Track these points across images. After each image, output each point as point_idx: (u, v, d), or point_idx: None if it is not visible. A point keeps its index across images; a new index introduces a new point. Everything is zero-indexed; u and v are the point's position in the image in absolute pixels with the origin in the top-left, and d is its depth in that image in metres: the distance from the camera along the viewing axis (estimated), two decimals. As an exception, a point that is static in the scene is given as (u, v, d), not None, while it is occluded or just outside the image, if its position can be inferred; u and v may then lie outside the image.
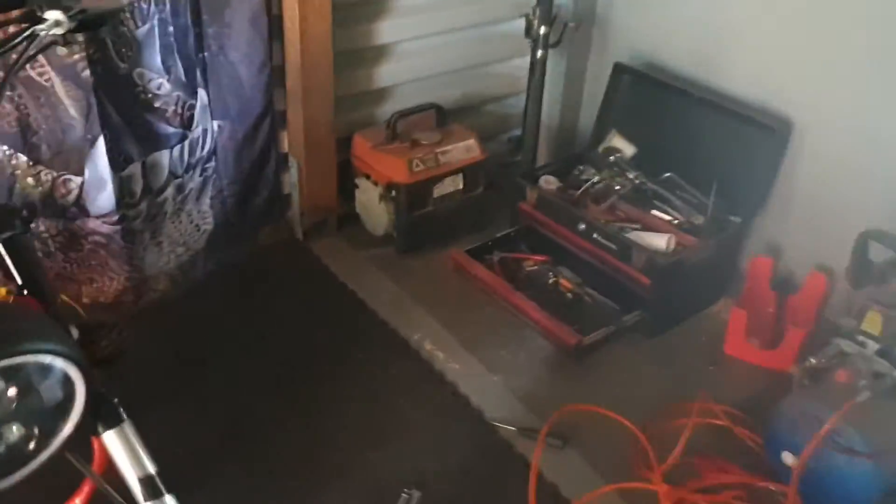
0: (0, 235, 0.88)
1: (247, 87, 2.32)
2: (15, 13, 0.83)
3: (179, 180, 2.30)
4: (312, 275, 2.55)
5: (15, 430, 0.79)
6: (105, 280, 2.21)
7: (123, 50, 2.02)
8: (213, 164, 2.37)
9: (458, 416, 2.06)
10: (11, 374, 0.77)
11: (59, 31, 0.84)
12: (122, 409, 0.97)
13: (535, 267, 2.56)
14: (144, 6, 2.01)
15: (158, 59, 2.10)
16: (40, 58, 1.84)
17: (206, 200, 2.40)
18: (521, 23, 2.58)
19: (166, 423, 1.95)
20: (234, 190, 2.45)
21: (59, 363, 0.77)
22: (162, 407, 2.00)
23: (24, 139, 1.92)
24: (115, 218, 2.12)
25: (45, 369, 0.77)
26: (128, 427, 0.97)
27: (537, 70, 2.63)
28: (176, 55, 2.14)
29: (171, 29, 2.10)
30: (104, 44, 1.95)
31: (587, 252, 2.42)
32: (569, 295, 2.46)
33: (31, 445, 0.80)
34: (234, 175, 2.43)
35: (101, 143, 2.01)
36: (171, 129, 2.21)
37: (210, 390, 2.09)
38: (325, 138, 2.53)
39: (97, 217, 2.10)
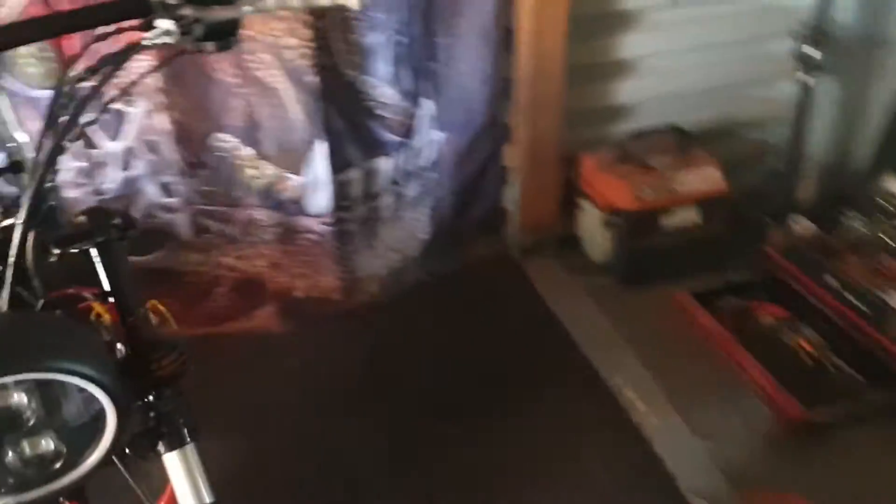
0: (94, 239, 0.88)
1: (473, 99, 2.27)
2: (135, 22, 0.82)
3: (398, 188, 2.31)
4: (520, 295, 2.44)
5: (46, 444, 0.77)
6: (317, 276, 2.28)
7: (354, 58, 2.05)
8: (433, 173, 2.35)
9: (646, 479, 1.84)
10: (42, 389, 0.75)
11: (169, 39, 0.82)
12: (187, 431, 0.92)
13: (772, 322, 2.22)
14: (379, 15, 2.03)
15: (386, 68, 2.12)
16: (270, 59, 1.93)
17: (424, 209, 2.40)
18: (789, 42, 2.27)
19: (340, 426, 1.99)
20: (452, 201, 2.42)
21: (88, 387, 0.74)
22: (342, 409, 2.04)
23: (251, 134, 2.03)
24: (330, 219, 2.17)
25: (76, 390, 0.74)
26: (190, 450, 0.92)
27: (805, 96, 2.30)
28: (404, 64, 2.14)
29: (401, 38, 2.10)
30: (332, 50, 1.99)
31: (836, 312, 2.07)
32: (807, 360, 2.11)
33: (58, 464, 0.78)
34: (454, 186, 2.39)
35: (321, 146, 2.06)
36: (393, 137, 2.22)
37: (390, 401, 2.08)
38: (550, 155, 2.41)
39: (313, 216, 2.17)
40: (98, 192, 1.99)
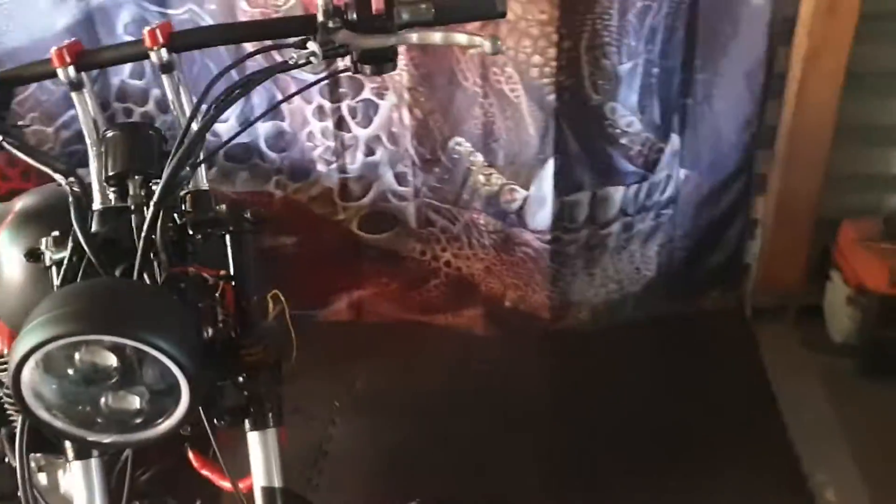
0: (226, 228, 0.98)
1: (725, 142, 2.14)
2: (296, 40, 0.90)
3: (629, 219, 2.25)
4: (741, 358, 2.26)
5: (129, 401, 0.86)
6: (528, 290, 2.31)
7: (600, 83, 2.03)
8: (669, 211, 2.26)
9: None
10: (127, 353, 0.84)
11: (313, 61, 0.89)
12: (271, 416, 0.99)
13: None
14: (633, 43, 1.99)
15: (635, 98, 2.07)
16: (514, 74, 1.98)
17: (654, 247, 2.31)
18: None
19: (512, 441, 2.00)
20: (686, 244, 2.30)
21: (164, 359, 0.81)
22: (519, 426, 2.04)
23: (485, 142, 2.11)
24: (549, 237, 2.19)
25: (155, 360, 0.82)
26: (270, 434, 0.98)
27: None
28: (654, 96, 2.08)
29: (655, 70, 2.05)
30: (577, 73, 1.99)
31: None
32: None
33: (137, 421, 0.87)
34: (690, 229, 2.28)
35: (550, 164, 2.08)
36: (631, 168, 2.17)
37: (569, 429, 2.05)
38: (804, 216, 2.20)
39: (532, 231, 2.19)
40: (342, 171, 2.19)
